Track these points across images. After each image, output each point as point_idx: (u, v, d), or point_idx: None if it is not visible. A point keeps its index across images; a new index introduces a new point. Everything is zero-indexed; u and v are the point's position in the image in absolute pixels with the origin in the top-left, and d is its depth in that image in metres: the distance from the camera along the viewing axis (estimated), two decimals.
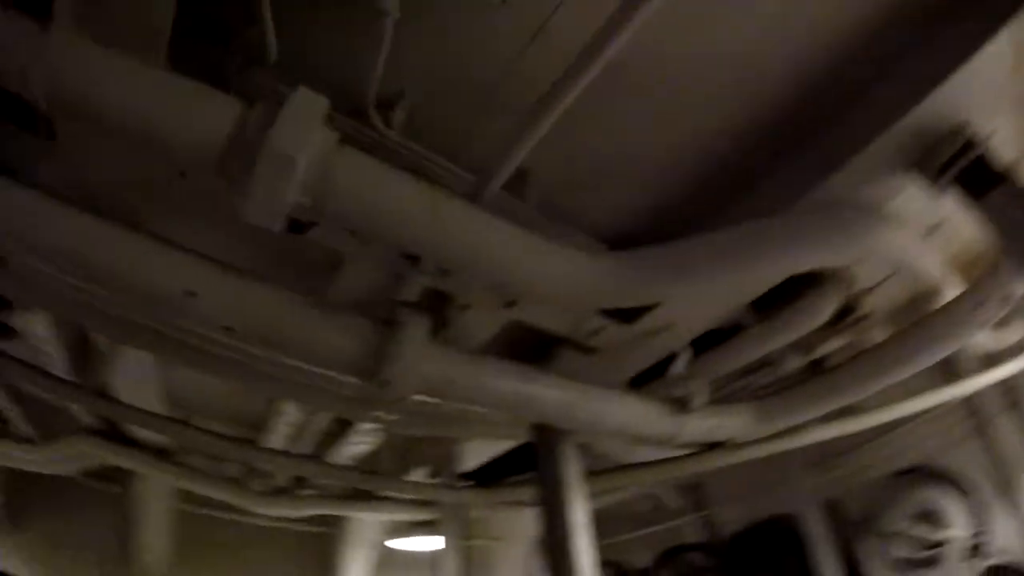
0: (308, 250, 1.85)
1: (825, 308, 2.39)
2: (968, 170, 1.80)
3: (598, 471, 2.89)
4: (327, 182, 1.42)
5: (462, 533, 3.82)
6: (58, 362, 2.75)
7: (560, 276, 1.78)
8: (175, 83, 1.35)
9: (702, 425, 2.37)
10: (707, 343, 2.59)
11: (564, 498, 2.26)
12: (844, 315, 2.60)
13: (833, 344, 2.81)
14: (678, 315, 2.09)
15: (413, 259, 1.75)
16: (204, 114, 1.35)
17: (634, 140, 2.08)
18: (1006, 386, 3.59)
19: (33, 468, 3.81)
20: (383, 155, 1.65)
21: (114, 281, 1.45)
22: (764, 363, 2.87)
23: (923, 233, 2.29)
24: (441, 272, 1.79)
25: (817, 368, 2.89)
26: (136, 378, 2.74)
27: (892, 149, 1.86)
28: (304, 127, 1.36)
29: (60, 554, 4.56)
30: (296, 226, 1.61)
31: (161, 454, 3.66)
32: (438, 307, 1.95)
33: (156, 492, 4.41)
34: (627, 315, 2.06)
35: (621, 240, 2.37)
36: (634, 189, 2.25)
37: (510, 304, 1.93)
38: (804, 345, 2.76)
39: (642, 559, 5.15)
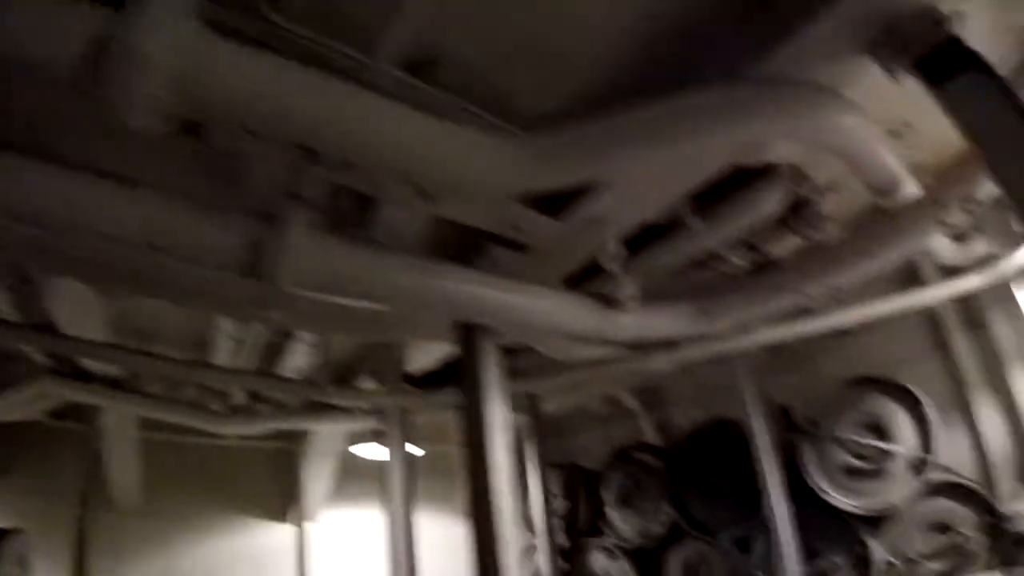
0: (219, 156, 1.74)
1: (769, 201, 2.26)
2: (933, 54, 1.61)
3: (526, 371, 2.85)
4: (195, 77, 1.31)
5: (406, 438, 3.80)
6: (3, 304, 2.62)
7: (469, 158, 1.66)
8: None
9: (637, 322, 2.31)
10: (648, 241, 2.48)
11: (482, 397, 2.20)
12: (798, 213, 2.49)
13: (786, 245, 2.69)
14: (608, 206, 1.95)
15: (312, 154, 1.60)
16: (63, 24, 1.24)
17: (563, 12, 1.83)
18: (967, 305, 3.56)
19: None
20: (277, 45, 1.53)
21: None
22: (710, 260, 2.74)
23: (886, 132, 2.12)
24: (343, 165, 1.65)
25: (766, 267, 2.80)
26: (80, 312, 2.60)
27: (849, 22, 1.61)
28: (162, 21, 1.25)
29: (35, 496, 4.62)
30: (190, 128, 1.52)
31: (117, 385, 3.62)
32: (348, 204, 1.81)
33: (119, 424, 4.42)
34: (553, 207, 1.92)
35: (548, 127, 2.16)
36: (562, 70, 1.99)
37: (427, 198, 1.79)
38: (753, 242, 2.65)
39: (597, 461, 5.28)
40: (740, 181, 2.24)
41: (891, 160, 2.04)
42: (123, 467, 4.73)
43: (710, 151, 1.90)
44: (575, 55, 1.90)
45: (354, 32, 1.77)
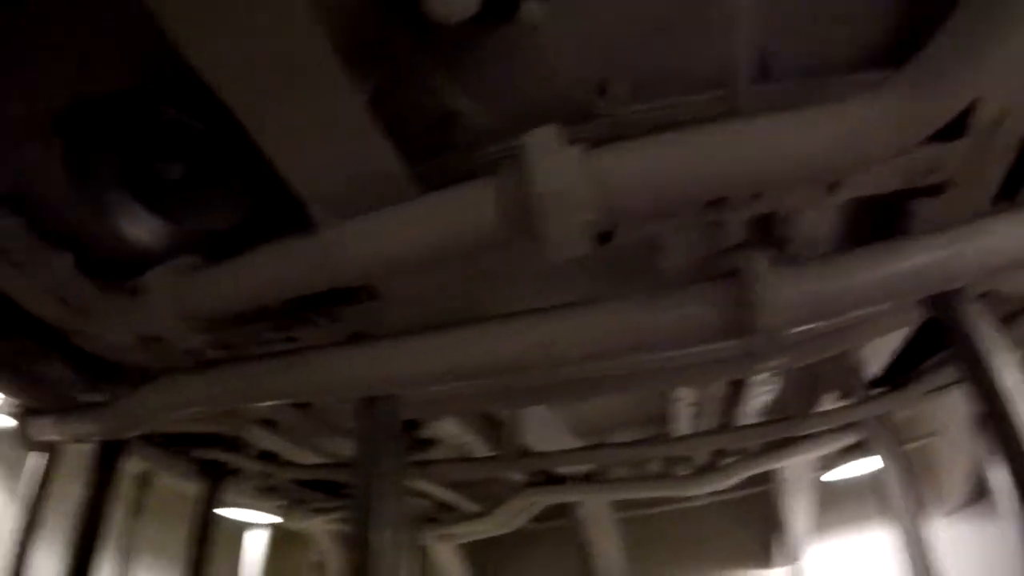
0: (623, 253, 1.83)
1: None
2: None
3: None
4: (602, 190, 1.42)
5: (894, 441, 3.44)
6: (477, 444, 3.32)
7: (862, 128, 1.48)
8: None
9: None
10: None
11: (986, 364, 1.86)
12: None
13: None
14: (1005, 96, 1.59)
15: (719, 202, 1.65)
16: (467, 208, 1.47)
17: None
18: None
19: (490, 533, 4.78)
20: (630, 132, 1.59)
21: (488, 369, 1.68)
22: None
23: None
24: (752, 198, 1.66)
25: None
26: (544, 428, 3.10)
27: None
28: (552, 160, 1.39)
29: None
30: (603, 238, 1.62)
31: (588, 479, 4.18)
32: (767, 232, 1.81)
33: (596, 513, 4.99)
34: (951, 130, 1.64)
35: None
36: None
37: (833, 188, 1.70)
38: None
39: None
40: None
41: None
42: (606, 550, 5.22)
43: None
44: None
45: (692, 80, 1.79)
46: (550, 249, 1.44)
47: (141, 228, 1.93)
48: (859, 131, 1.50)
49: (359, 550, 1.81)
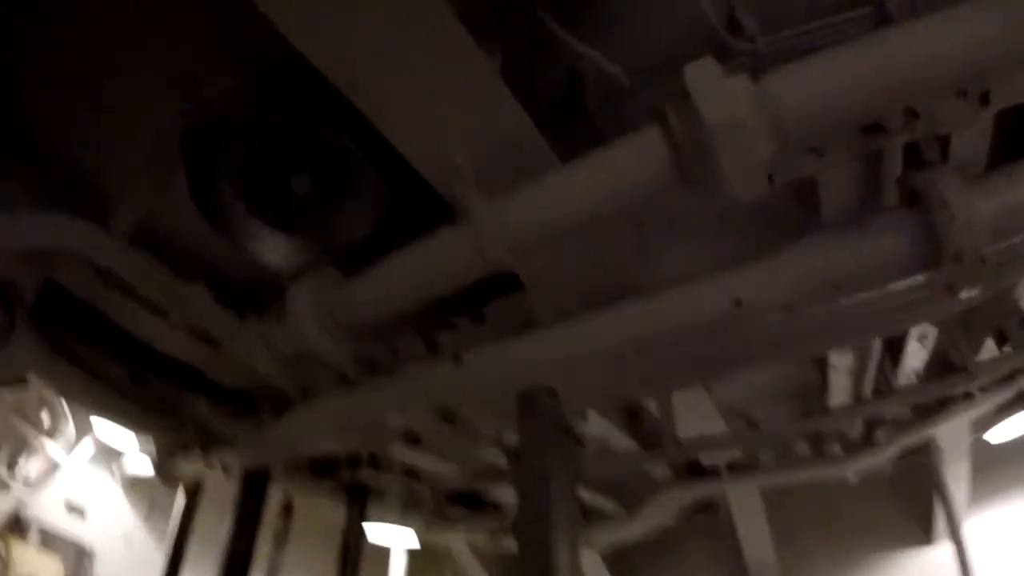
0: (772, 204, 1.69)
1: None
2: None
3: None
4: (775, 114, 1.26)
5: None
6: (622, 439, 3.15)
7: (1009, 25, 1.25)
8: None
9: None
10: None
11: None
12: None
13: None
14: None
15: (876, 129, 1.46)
16: (635, 159, 1.34)
17: None
18: None
19: (635, 536, 4.50)
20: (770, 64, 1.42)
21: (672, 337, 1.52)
22: None
23: None
24: (908, 121, 1.45)
25: None
26: (693, 412, 2.91)
27: None
28: (717, 94, 1.25)
29: None
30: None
31: (735, 468, 3.81)
32: (922, 161, 1.59)
33: (744, 500, 4.65)
34: None
35: None
36: None
37: (984, 98, 1.46)
38: None
39: None
40: None
41: None
42: (756, 543, 4.93)
43: None
44: None
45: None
46: (728, 188, 1.29)
47: (273, 249, 1.91)
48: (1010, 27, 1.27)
49: (534, 560, 1.68)
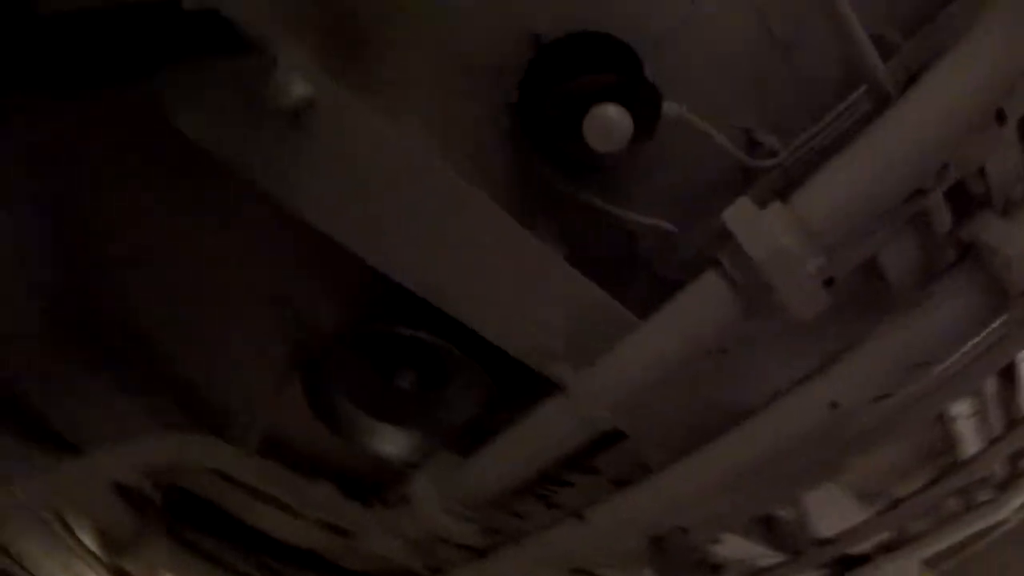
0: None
1: None
2: None
3: None
4: (813, 229, 1.33)
5: None
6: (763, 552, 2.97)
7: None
8: None
9: None
10: None
11: None
12: None
13: None
14: None
15: (915, 194, 1.47)
16: (704, 305, 1.42)
17: None
18: None
19: None
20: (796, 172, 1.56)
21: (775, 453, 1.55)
22: None
23: None
24: (940, 174, 1.48)
25: None
26: (830, 507, 2.76)
27: None
28: (757, 231, 1.33)
29: None
30: (828, 283, 1.48)
31: (890, 547, 3.51)
32: (968, 204, 1.62)
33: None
34: None
35: None
36: None
37: (1000, 116, 1.48)
38: None
39: None
40: None
41: None
42: None
43: None
44: None
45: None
46: (793, 311, 1.36)
47: (388, 442, 2.06)
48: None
49: None
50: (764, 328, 1.78)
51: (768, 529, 2.87)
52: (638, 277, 1.82)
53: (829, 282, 1.59)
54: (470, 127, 1.55)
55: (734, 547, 2.53)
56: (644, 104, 1.45)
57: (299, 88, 1.14)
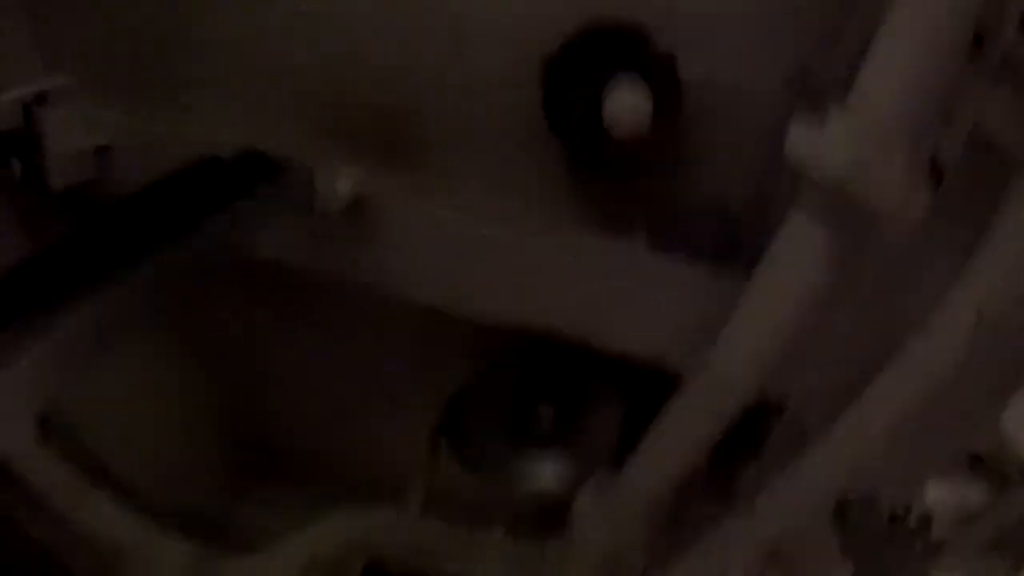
0: None
1: None
2: None
3: None
4: (879, 118, 1.21)
5: None
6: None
7: None
8: None
9: None
10: None
11: None
12: None
13: None
14: None
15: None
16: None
17: None
18: None
19: None
20: None
21: None
22: None
23: None
24: None
25: None
26: None
27: None
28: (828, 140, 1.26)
29: None
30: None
31: None
32: None
33: None
34: None
35: None
36: None
37: None
38: None
39: None
40: None
41: None
42: None
43: None
44: None
45: None
46: (894, 222, 1.16)
47: (540, 478, 2.10)
48: None
49: None
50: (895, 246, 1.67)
51: (969, 467, 2.60)
52: (731, 251, 1.79)
53: (939, 177, 1.44)
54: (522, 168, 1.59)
55: (936, 494, 2.30)
56: (659, 75, 1.39)
57: (343, 188, 1.25)
